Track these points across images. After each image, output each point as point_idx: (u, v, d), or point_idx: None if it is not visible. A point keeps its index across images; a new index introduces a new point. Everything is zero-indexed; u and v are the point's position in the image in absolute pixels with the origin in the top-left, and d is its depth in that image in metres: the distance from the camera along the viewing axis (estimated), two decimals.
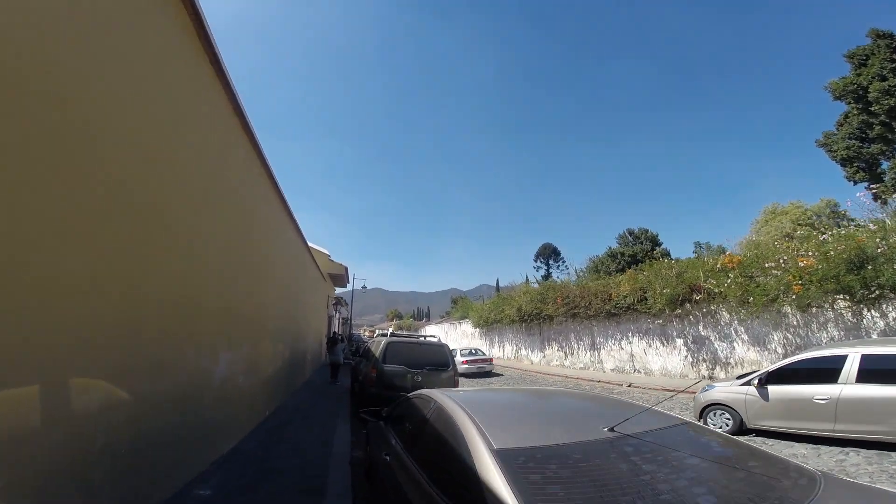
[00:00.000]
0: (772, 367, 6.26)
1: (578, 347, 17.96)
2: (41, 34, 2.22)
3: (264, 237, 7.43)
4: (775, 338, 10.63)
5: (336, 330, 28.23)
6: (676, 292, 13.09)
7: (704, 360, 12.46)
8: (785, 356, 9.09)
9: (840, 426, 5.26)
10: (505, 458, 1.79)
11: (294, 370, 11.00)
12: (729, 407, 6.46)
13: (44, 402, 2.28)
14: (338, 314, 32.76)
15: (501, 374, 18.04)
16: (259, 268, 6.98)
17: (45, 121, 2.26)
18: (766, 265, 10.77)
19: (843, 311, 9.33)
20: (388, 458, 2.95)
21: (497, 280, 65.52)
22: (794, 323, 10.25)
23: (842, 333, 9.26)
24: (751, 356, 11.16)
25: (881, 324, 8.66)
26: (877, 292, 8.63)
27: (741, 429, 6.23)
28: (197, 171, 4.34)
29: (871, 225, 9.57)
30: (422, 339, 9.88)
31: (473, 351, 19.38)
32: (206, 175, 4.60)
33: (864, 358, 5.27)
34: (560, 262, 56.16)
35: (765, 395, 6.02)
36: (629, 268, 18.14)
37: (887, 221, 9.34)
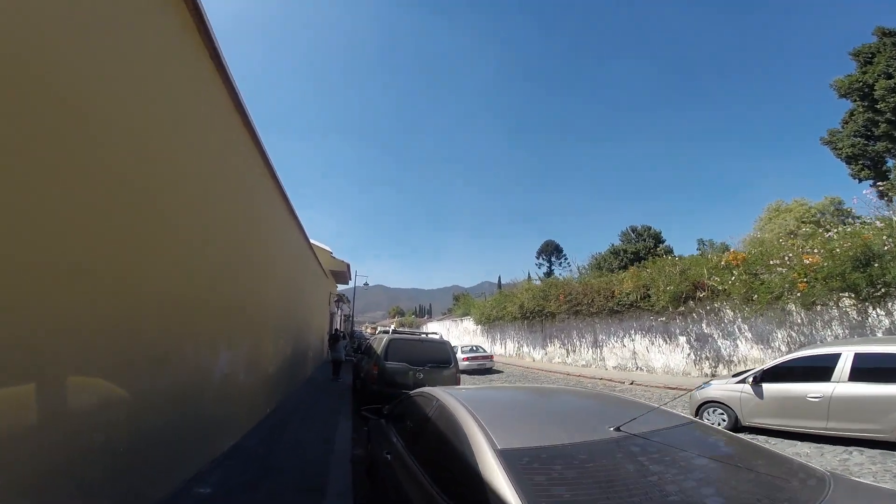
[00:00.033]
0: (766, 366, 6.25)
1: (580, 345, 17.92)
2: (41, 34, 2.19)
3: (266, 234, 7.39)
4: (779, 336, 10.57)
5: (338, 327, 28.25)
6: (680, 290, 13.03)
7: (707, 358, 12.40)
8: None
9: (833, 424, 5.27)
10: (509, 459, 1.76)
11: (295, 367, 10.99)
12: (724, 405, 6.44)
13: (41, 400, 2.26)
14: (340, 311, 32.78)
15: (502, 371, 18.04)
16: (260, 265, 6.95)
17: (45, 120, 2.23)
18: (771, 262, 10.70)
19: (847, 310, 9.27)
20: (389, 456, 2.92)
21: (499, 277, 65.57)
22: (799, 321, 10.19)
23: (846, 331, 9.20)
24: (754, 354, 11.10)
25: (886, 322, 8.61)
26: (882, 290, 8.58)
27: (736, 426, 6.21)
28: (197, 169, 4.31)
29: (877, 222, 9.51)
30: (424, 336, 9.87)
31: (474, 348, 19.47)
32: (207, 172, 4.57)
33: (857, 356, 5.29)
34: (562, 260, 56.15)
35: (759, 393, 6.02)
36: (632, 265, 18.10)
37: (894, 219, 9.27)
